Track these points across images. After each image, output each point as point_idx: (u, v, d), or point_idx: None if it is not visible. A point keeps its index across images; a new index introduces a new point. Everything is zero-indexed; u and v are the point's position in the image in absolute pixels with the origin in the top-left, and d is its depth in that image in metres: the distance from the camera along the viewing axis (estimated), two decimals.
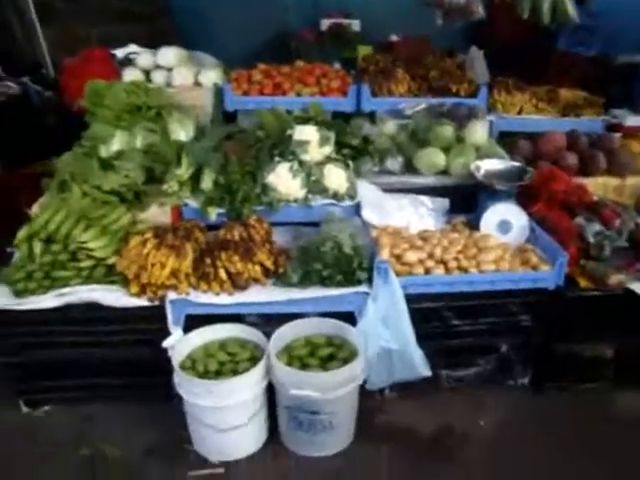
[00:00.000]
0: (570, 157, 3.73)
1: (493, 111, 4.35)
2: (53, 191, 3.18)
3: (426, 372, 2.86)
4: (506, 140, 4.05)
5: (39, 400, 2.98)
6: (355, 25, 6.24)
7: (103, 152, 3.36)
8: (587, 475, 2.70)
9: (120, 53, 4.56)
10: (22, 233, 2.85)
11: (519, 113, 4.40)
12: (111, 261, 2.83)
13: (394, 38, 5.99)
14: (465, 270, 2.88)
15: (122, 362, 2.89)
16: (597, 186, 3.65)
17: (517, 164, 3.40)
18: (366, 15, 6.30)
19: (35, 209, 3.14)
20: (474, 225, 3.26)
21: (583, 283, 2.96)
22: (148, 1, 6.58)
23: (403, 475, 2.68)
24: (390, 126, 3.86)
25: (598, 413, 3.05)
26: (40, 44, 5.69)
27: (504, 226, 3.17)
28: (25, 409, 2.96)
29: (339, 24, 6.20)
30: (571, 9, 3.59)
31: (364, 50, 5.30)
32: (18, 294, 2.73)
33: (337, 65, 4.70)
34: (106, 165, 3.26)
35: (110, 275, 2.84)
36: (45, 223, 2.83)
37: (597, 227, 3.12)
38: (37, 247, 2.80)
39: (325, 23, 6.25)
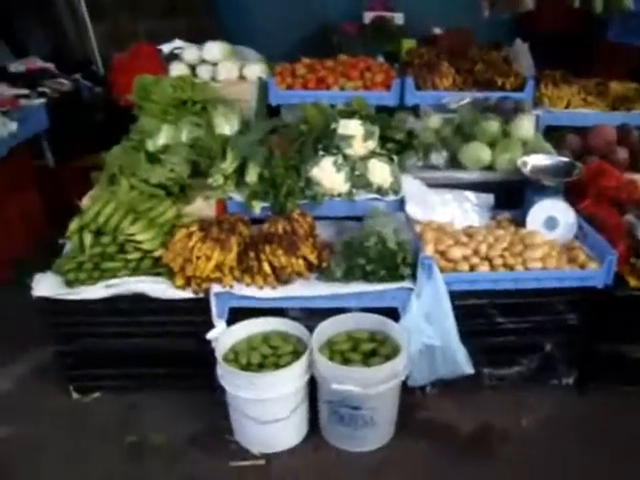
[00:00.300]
0: (620, 152, 3.63)
1: (540, 105, 4.27)
2: (103, 184, 3.25)
3: (469, 370, 2.83)
4: (553, 135, 3.97)
5: (88, 387, 3.07)
6: (398, 18, 6.18)
7: (150, 146, 3.42)
8: (632, 478, 2.64)
9: (166, 48, 4.64)
10: (73, 225, 2.93)
11: (567, 107, 4.30)
12: (157, 253, 2.88)
13: (437, 31, 5.92)
14: (511, 267, 2.84)
15: (167, 353, 2.95)
16: None
17: (565, 159, 3.32)
18: (409, 8, 6.24)
19: (85, 201, 3.22)
20: (519, 221, 3.20)
21: (633, 282, 2.87)
22: None
23: (443, 472, 2.67)
24: (435, 120, 3.82)
25: None
26: (90, 41, 5.82)
27: (551, 223, 3.11)
28: (75, 395, 3.05)
29: (382, 17, 6.14)
30: None
31: (408, 44, 5.25)
32: (69, 284, 2.80)
33: (380, 58, 4.67)
34: (153, 159, 3.31)
35: (156, 267, 2.89)
36: (95, 215, 2.90)
37: None
38: (87, 239, 2.88)
39: (368, 16, 6.20)
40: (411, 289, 2.78)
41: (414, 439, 2.81)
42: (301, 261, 2.82)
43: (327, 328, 2.77)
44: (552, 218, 3.10)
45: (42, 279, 2.85)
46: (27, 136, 4.37)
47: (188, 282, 2.79)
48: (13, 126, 4.08)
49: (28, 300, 2.78)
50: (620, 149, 3.65)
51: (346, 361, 2.67)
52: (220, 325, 2.80)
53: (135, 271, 2.87)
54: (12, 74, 5.13)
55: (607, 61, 5.38)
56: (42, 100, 4.68)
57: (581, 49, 5.50)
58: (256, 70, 4.26)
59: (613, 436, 2.84)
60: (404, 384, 2.76)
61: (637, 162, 3.63)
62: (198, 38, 4.56)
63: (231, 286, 2.79)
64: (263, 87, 4.20)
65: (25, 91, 4.69)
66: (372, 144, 3.33)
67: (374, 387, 2.51)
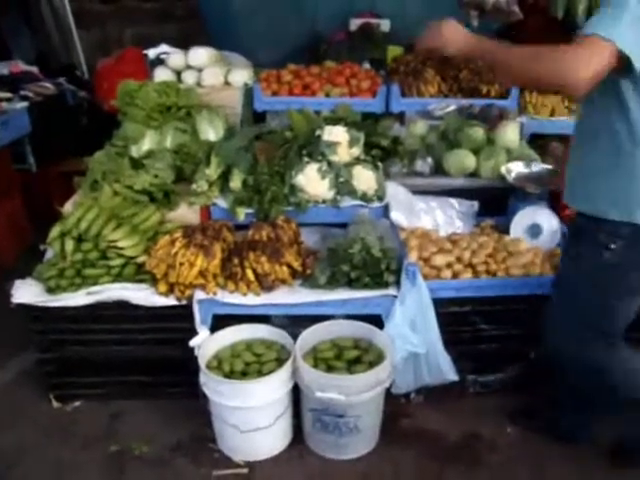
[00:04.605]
0: None
1: (524, 112, 4.29)
2: (85, 190, 3.21)
3: (453, 377, 2.83)
4: (537, 142, 3.99)
5: (70, 396, 3.02)
6: (384, 25, 6.18)
7: (134, 152, 3.40)
8: None
9: (152, 53, 4.61)
10: (55, 231, 2.89)
11: (551, 115, 4.33)
12: (140, 260, 2.86)
13: None
14: (494, 274, 2.85)
15: (150, 360, 2.92)
16: None
17: (549, 167, 3.35)
18: (395, 15, 6.25)
19: (67, 207, 3.19)
20: (503, 228, 3.22)
21: None
22: (179, 2, 6.65)
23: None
24: (420, 127, 3.83)
25: None
26: (75, 45, 5.80)
27: (534, 230, 3.13)
28: (56, 404, 3.01)
29: (368, 24, 6.14)
30: None
31: (394, 51, 5.25)
32: (50, 291, 2.77)
33: (366, 65, 4.68)
34: (137, 165, 3.29)
35: (139, 274, 2.87)
36: (77, 221, 2.86)
37: None
38: (69, 245, 2.84)
39: (355, 23, 6.21)
40: (395, 296, 2.78)
41: (399, 447, 2.80)
42: (285, 268, 2.81)
43: (311, 335, 2.76)
44: (536, 225, 3.12)
45: (22, 286, 2.81)
46: (9, 140, 4.33)
47: (171, 289, 2.77)
48: None
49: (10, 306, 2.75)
50: None
51: (330, 369, 2.66)
52: (203, 332, 2.77)
53: (118, 278, 2.85)
54: None
55: None
56: (25, 104, 4.63)
57: None
58: (242, 76, 4.24)
59: (598, 446, 2.82)
60: (388, 391, 2.75)
61: None
62: (187, 44, 4.53)
63: (214, 293, 2.78)
64: (249, 93, 4.19)
65: (8, 94, 4.65)
66: (357, 151, 3.33)
67: (358, 395, 2.50)
